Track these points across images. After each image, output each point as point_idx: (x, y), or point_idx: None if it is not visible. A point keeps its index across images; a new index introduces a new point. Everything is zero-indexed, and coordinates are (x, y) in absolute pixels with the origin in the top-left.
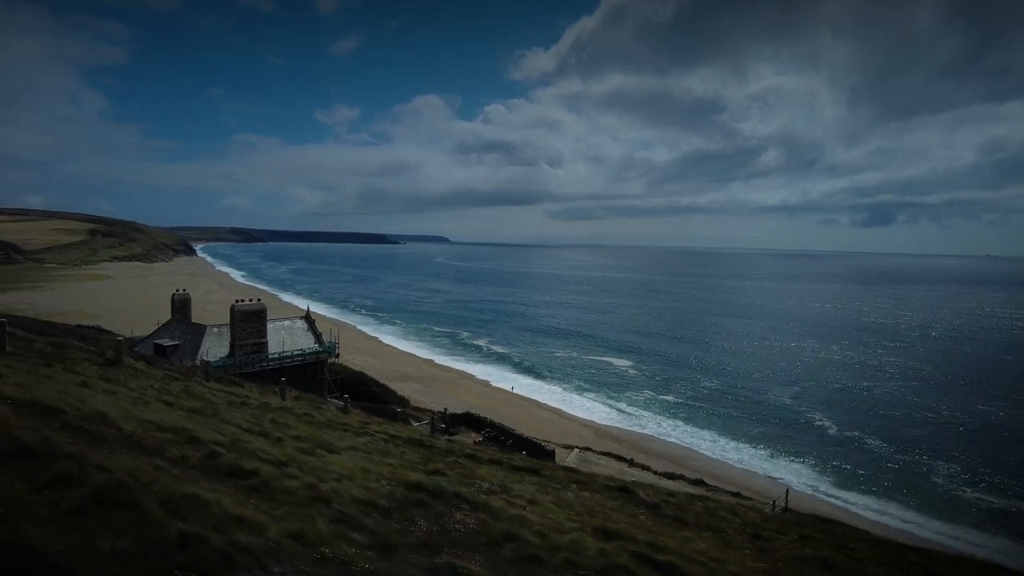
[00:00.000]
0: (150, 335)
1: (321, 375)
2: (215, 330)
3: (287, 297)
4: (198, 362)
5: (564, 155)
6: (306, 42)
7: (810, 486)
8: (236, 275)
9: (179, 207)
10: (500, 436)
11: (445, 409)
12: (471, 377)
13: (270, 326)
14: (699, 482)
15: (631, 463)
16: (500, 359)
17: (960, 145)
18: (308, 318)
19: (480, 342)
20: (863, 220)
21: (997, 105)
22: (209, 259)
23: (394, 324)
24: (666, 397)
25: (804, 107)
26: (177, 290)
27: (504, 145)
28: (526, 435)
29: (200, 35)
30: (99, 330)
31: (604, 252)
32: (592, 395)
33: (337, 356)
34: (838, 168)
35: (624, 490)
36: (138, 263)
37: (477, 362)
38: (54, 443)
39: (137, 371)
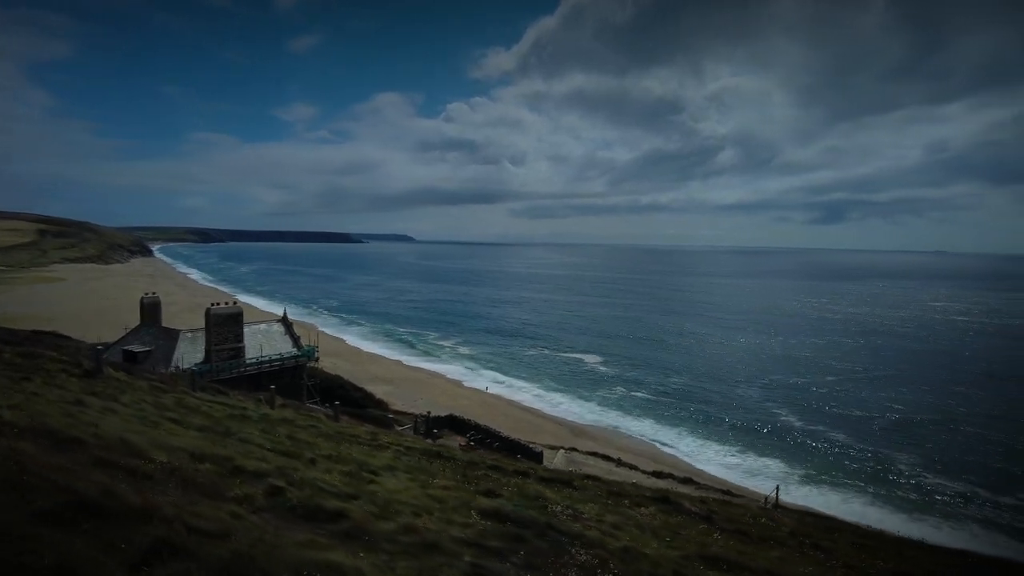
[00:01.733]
0: (118, 341)
1: (300, 380)
2: (189, 335)
3: (249, 299)
4: (172, 369)
5: (527, 154)
6: (265, 39)
7: (779, 480)
8: (196, 276)
9: (135, 207)
10: (486, 439)
11: (428, 412)
12: (442, 377)
13: (246, 330)
14: (688, 480)
15: (619, 463)
16: (470, 359)
17: (907, 145)
18: (285, 321)
19: (449, 342)
20: (817, 217)
21: (939, 107)
22: (167, 260)
23: (360, 325)
24: (636, 393)
25: (759, 107)
26: (146, 293)
27: (467, 143)
28: (512, 437)
29: (153, 30)
30: (57, 336)
31: (568, 250)
32: (564, 394)
33: (317, 360)
34: (792, 167)
35: (664, 500)
36: (92, 265)
37: (447, 362)
38: (117, 494)
39: (121, 383)
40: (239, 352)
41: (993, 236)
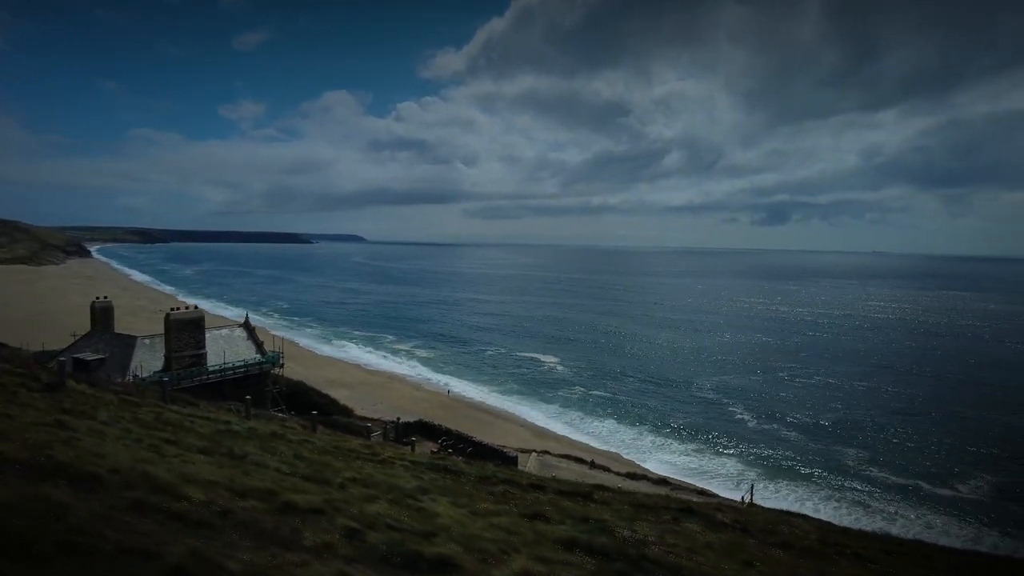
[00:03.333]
0: (67, 348)
1: (265, 387)
2: (147, 341)
3: (196, 301)
4: (130, 378)
5: (479, 154)
6: (208, 34)
7: (734, 478)
8: (139, 278)
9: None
10: (458, 444)
11: (398, 418)
12: (401, 380)
13: (207, 336)
14: (663, 481)
15: (592, 465)
16: (427, 361)
17: (845, 149)
18: (247, 326)
19: (405, 345)
20: (762, 219)
21: (873, 113)
22: (107, 261)
23: (312, 328)
24: (595, 392)
25: (704, 111)
26: (97, 297)
27: (418, 143)
28: (484, 441)
29: (91, 24)
30: None
31: (522, 251)
32: (523, 395)
33: (282, 366)
34: (737, 169)
35: (690, 511)
36: (23, 266)
37: (404, 365)
38: (208, 558)
39: (87, 396)
40: (200, 359)
41: (924, 237)
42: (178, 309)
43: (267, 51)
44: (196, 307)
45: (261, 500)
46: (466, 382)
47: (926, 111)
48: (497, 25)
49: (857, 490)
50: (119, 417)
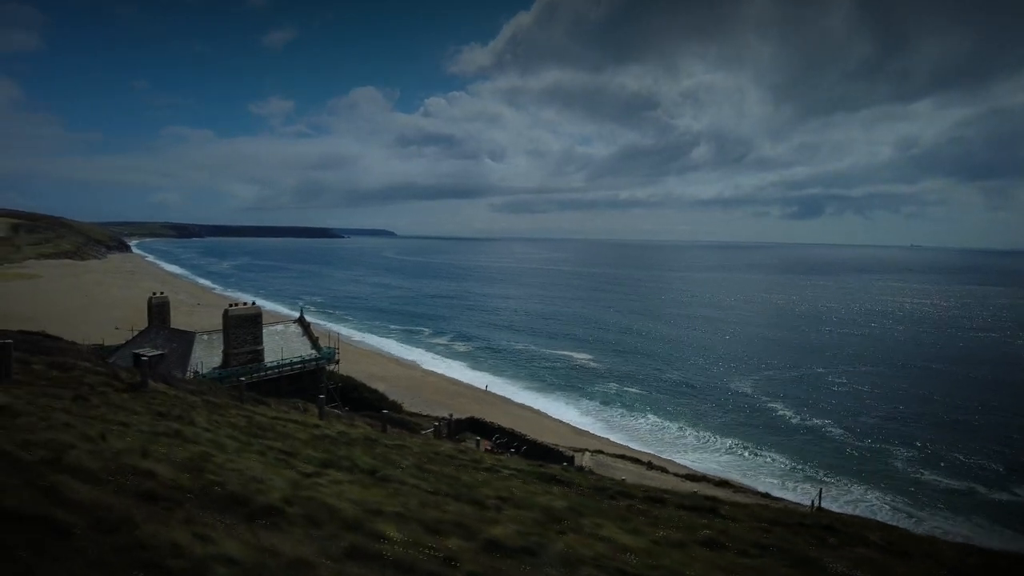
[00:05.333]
0: (126, 344)
1: (320, 383)
2: (205, 337)
3: (238, 295)
4: (190, 374)
5: (506, 149)
6: (237, 33)
7: (782, 477)
8: (178, 272)
9: (108, 202)
10: (512, 442)
11: (451, 415)
12: (436, 374)
13: (263, 332)
14: (724, 483)
15: (649, 466)
16: (462, 355)
17: (877, 141)
18: (302, 322)
19: (440, 339)
20: (794, 212)
21: (907, 104)
22: (146, 256)
23: (347, 321)
24: (631, 389)
25: (733, 103)
26: (154, 293)
27: (445, 138)
28: (540, 440)
29: (122, 24)
30: (48, 337)
31: (549, 245)
32: (560, 391)
33: (337, 363)
34: (767, 162)
35: (831, 528)
36: (68, 261)
37: (439, 359)
38: None
39: (171, 397)
40: (258, 355)
41: (963, 231)
42: (237, 305)
43: (295, 49)
44: (253, 303)
45: (462, 537)
46: (500, 377)
47: (963, 102)
48: (523, 20)
49: (912, 492)
50: (215, 422)
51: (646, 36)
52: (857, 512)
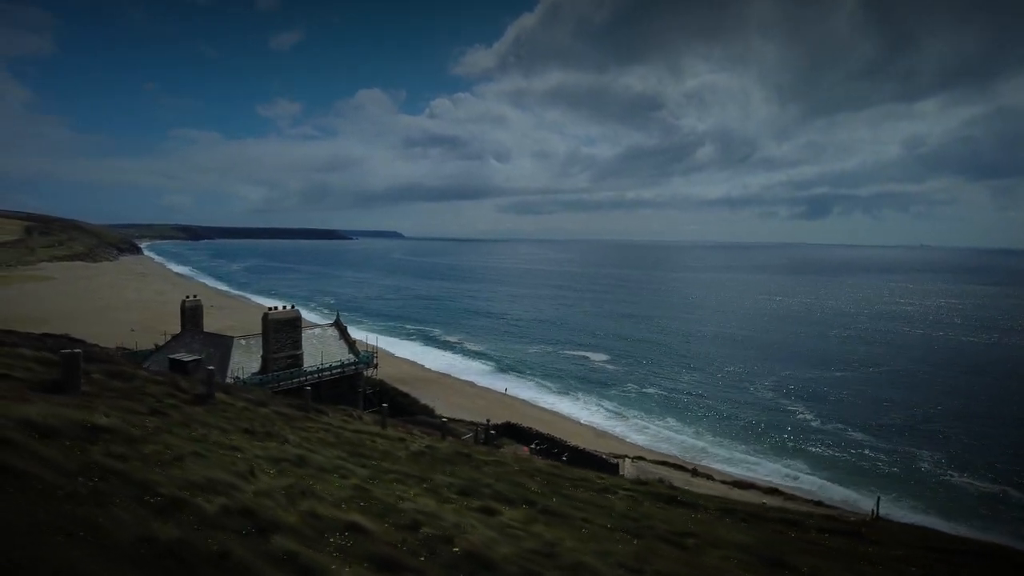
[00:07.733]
0: (161, 348)
1: (358, 388)
2: (243, 342)
3: (249, 297)
4: (231, 380)
5: (511, 150)
6: (244, 36)
7: (809, 481)
8: (190, 274)
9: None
10: (552, 448)
11: (488, 420)
12: (454, 377)
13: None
14: (773, 491)
15: (694, 472)
16: (477, 357)
17: (884, 140)
18: (339, 325)
19: (453, 340)
20: (802, 212)
21: (911, 104)
22: (157, 258)
23: (360, 323)
24: (650, 391)
25: (738, 104)
26: (187, 296)
27: (450, 140)
28: (582, 447)
29: (131, 27)
30: (70, 340)
31: (556, 246)
32: (580, 393)
33: (376, 367)
34: (773, 162)
35: (979, 554)
36: (81, 263)
37: (456, 362)
38: None
39: (242, 409)
40: (298, 360)
41: (971, 230)
42: (275, 309)
43: (302, 51)
44: (293, 307)
45: None
46: (518, 380)
47: (970, 101)
48: (527, 21)
49: (944, 497)
50: (305, 438)
51: (650, 37)
52: (914, 521)
